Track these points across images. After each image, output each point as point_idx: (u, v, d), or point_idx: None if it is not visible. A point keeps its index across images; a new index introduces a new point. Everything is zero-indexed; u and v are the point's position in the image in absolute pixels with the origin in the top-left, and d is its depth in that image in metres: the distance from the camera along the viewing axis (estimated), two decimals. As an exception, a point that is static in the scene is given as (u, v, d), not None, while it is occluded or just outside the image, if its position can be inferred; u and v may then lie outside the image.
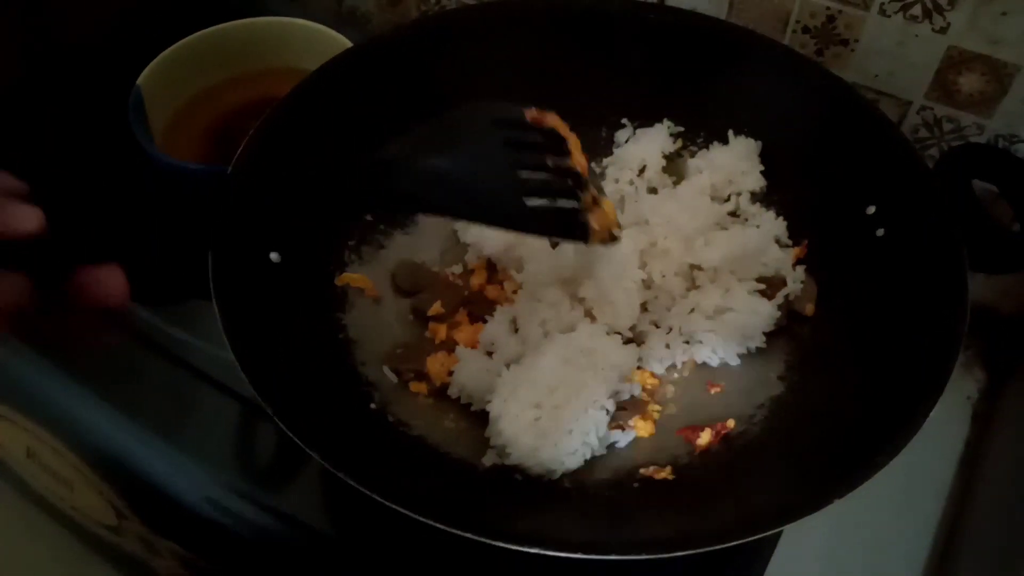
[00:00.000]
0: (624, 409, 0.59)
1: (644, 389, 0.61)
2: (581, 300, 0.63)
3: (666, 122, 0.72)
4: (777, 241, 0.66)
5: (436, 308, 0.64)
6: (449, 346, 0.62)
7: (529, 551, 0.43)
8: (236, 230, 0.56)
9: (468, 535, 0.44)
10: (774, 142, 0.68)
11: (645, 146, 0.71)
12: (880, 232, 0.60)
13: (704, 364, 0.62)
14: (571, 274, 0.64)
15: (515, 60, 0.69)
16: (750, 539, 0.44)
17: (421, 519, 0.44)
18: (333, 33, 0.76)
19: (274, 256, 0.59)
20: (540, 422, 0.55)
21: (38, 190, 0.76)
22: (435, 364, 0.60)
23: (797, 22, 0.73)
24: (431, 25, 0.73)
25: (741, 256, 0.64)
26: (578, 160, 0.53)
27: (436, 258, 0.69)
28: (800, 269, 0.64)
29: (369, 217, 0.68)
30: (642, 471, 0.56)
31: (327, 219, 0.64)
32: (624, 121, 0.73)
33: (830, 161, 0.65)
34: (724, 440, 0.57)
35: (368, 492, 0.45)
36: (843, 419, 0.54)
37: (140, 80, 0.72)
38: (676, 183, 0.71)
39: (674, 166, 0.72)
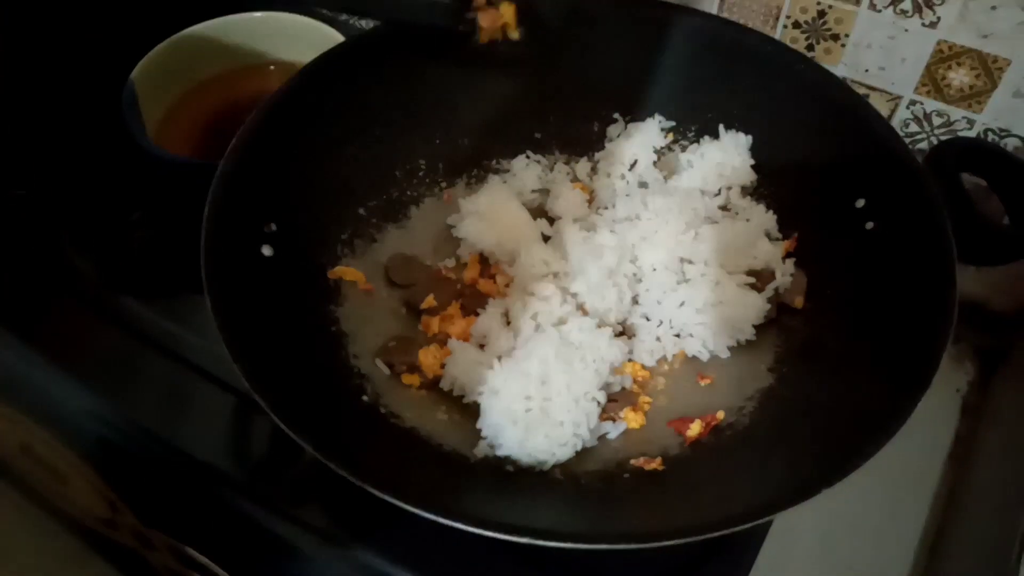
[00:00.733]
0: (615, 401, 0.59)
1: (635, 381, 0.61)
2: (574, 295, 0.63)
3: (657, 117, 0.73)
4: (767, 235, 0.67)
5: (429, 301, 0.64)
6: (441, 339, 0.63)
7: (520, 541, 0.44)
8: (228, 224, 0.56)
9: (459, 525, 0.44)
10: (765, 136, 0.69)
11: (636, 141, 0.72)
12: (870, 225, 0.60)
13: (694, 356, 0.63)
14: (563, 268, 0.65)
15: (506, 55, 0.69)
16: (740, 529, 0.45)
17: (413, 510, 0.45)
18: (326, 28, 0.76)
19: (266, 250, 0.59)
20: (531, 414, 0.55)
21: (32, 184, 0.76)
22: (427, 357, 0.61)
23: (788, 17, 0.73)
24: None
25: (731, 249, 0.64)
26: None
27: (429, 252, 0.69)
28: (790, 262, 0.65)
29: (362, 211, 0.68)
30: (632, 462, 0.56)
31: (319, 212, 0.65)
32: (616, 116, 0.74)
33: (820, 155, 0.65)
34: (714, 431, 0.58)
35: (360, 483, 0.45)
36: (832, 410, 0.54)
37: (133, 74, 0.72)
38: (667, 177, 0.71)
39: (665, 160, 0.73)
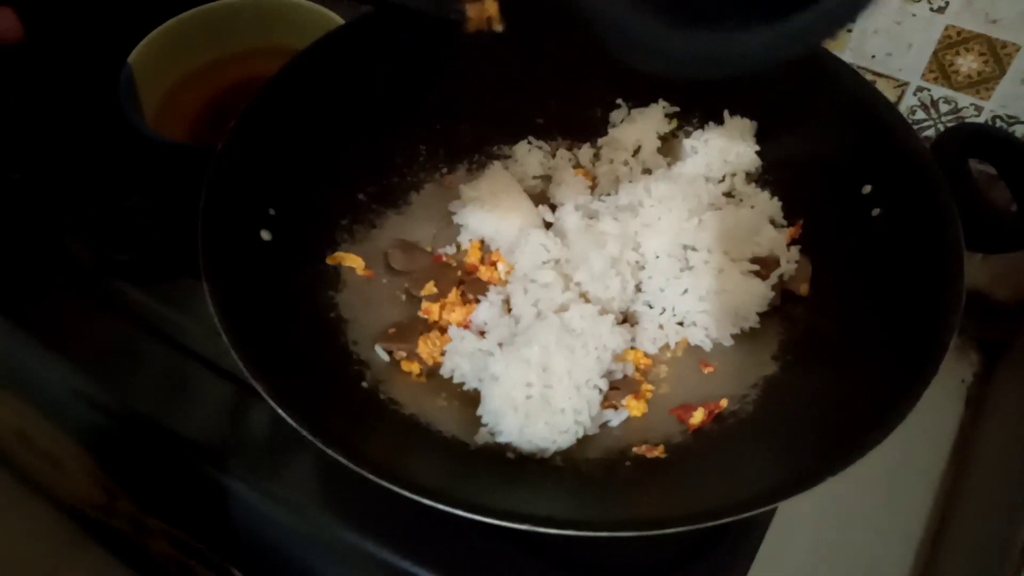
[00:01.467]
0: (617, 388, 0.58)
1: (637, 369, 0.61)
2: (577, 284, 0.62)
3: (661, 102, 0.72)
4: (772, 221, 0.66)
5: (429, 288, 0.64)
6: (442, 326, 0.62)
7: (520, 528, 0.43)
8: (226, 209, 0.56)
9: (460, 513, 0.44)
10: (769, 122, 0.68)
11: (640, 126, 0.71)
12: (876, 212, 0.59)
13: (697, 346, 0.62)
14: (564, 255, 0.64)
15: (509, 39, 0.68)
16: (742, 517, 0.44)
17: (413, 497, 0.44)
18: (325, 11, 0.75)
19: (265, 234, 0.58)
20: (532, 401, 0.55)
21: (28, 169, 0.75)
22: (427, 344, 0.60)
23: (794, 1, 0.72)
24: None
25: (735, 236, 0.64)
26: None
27: (429, 238, 0.68)
28: (795, 249, 0.64)
29: (361, 196, 0.67)
30: (634, 450, 0.56)
31: (318, 197, 0.64)
32: (619, 101, 0.73)
33: (826, 141, 0.64)
34: (717, 419, 0.57)
35: (359, 470, 0.45)
36: (836, 399, 0.54)
37: (131, 58, 0.71)
38: (671, 163, 0.71)
39: (669, 146, 0.72)
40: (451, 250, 0.67)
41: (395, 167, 0.69)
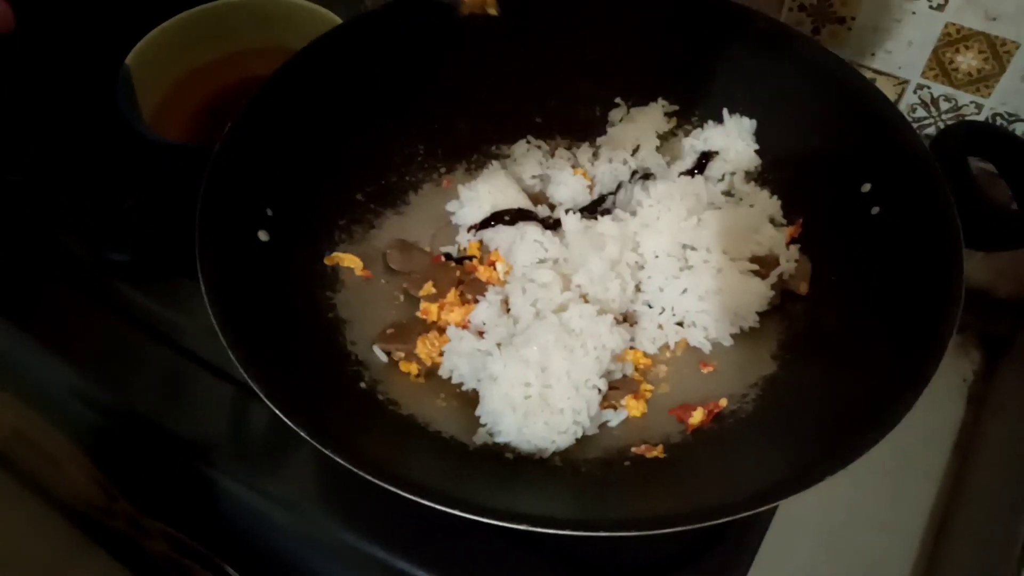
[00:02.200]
0: (616, 388, 0.58)
1: (636, 369, 0.60)
2: (578, 286, 0.62)
3: (660, 101, 0.72)
4: (771, 220, 0.66)
5: (427, 288, 0.64)
6: (440, 326, 0.62)
7: (519, 528, 0.43)
8: (224, 208, 0.56)
9: (458, 513, 0.44)
10: (769, 121, 0.68)
11: (639, 125, 0.71)
12: (875, 210, 0.59)
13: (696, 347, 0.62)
14: (562, 255, 0.64)
15: (507, 38, 0.68)
16: (742, 516, 0.44)
17: (411, 497, 0.44)
18: (323, 10, 0.75)
19: (263, 235, 0.58)
20: (531, 400, 0.54)
21: (28, 170, 0.75)
22: (426, 344, 0.60)
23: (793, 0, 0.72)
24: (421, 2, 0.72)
25: (734, 236, 0.63)
26: None
27: (427, 238, 0.68)
28: (794, 248, 0.64)
29: (359, 196, 0.67)
30: (634, 450, 0.55)
31: (316, 197, 0.64)
32: (618, 100, 0.73)
33: (825, 140, 0.64)
34: (716, 419, 0.57)
35: (357, 470, 0.45)
36: (836, 398, 0.53)
37: (129, 59, 0.71)
38: (670, 163, 0.70)
39: (668, 146, 0.72)
40: (450, 250, 0.67)
41: (393, 167, 0.69)
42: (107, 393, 0.63)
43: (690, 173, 0.68)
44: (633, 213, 0.66)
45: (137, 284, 0.68)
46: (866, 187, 0.60)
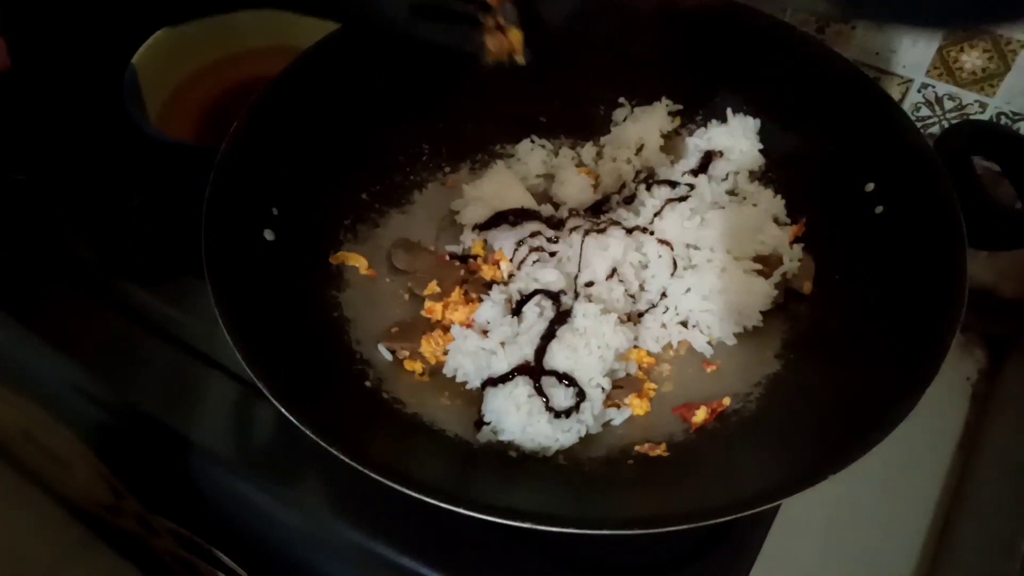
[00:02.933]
0: (620, 387, 0.58)
1: (640, 368, 0.61)
2: (583, 285, 0.62)
3: (664, 100, 0.72)
4: (775, 219, 0.66)
5: (432, 287, 0.64)
6: (445, 325, 0.62)
7: (522, 526, 0.43)
8: (229, 208, 0.56)
9: (462, 511, 0.44)
10: (773, 120, 0.68)
11: (643, 125, 0.71)
12: (879, 210, 0.59)
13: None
14: (565, 253, 0.64)
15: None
16: (745, 514, 0.44)
17: (416, 495, 0.44)
18: (328, 11, 0.75)
19: (268, 234, 0.58)
20: (534, 400, 0.55)
21: (33, 169, 0.76)
22: (430, 343, 0.60)
23: (798, -1, 0.72)
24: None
25: (738, 235, 0.64)
26: None
27: (432, 237, 0.68)
28: (798, 247, 0.64)
29: (364, 195, 0.67)
30: (637, 448, 0.56)
31: (321, 197, 0.64)
32: (622, 100, 0.73)
33: (829, 139, 0.64)
34: (720, 418, 0.57)
35: (362, 468, 0.45)
36: (839, 397, 0.53)
37: (135, 59, 0.72)
38: (674, 162, 0.70)
39: (672, 145, 0.72)
40: (454, 249, 0.67)
41: (398, 166, 0.69)
42: (113, 392, 0.63)
43: (694, 172, 0.68)
44: (637, 213, 0.66)
45: (143, 283, 0.68)
46: (870, 186, 0.60)
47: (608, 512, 0.49)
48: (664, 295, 0.63)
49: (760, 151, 0.68)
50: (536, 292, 0.61)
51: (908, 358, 0.51)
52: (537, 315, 0.60)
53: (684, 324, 0.63)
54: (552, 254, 0.65)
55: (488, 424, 0.56)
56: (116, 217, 0.71)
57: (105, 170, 0.74)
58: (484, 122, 0.71)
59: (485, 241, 0.67)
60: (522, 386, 0.55)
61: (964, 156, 0.59)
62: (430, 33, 0.58)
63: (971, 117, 0.72)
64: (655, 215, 0.65)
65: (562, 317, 0.59)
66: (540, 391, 0.55)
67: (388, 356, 0.60)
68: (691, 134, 0.71)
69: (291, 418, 0.47)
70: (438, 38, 0.59)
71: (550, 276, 0.62)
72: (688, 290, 0.62)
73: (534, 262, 0.64)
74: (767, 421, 0.56)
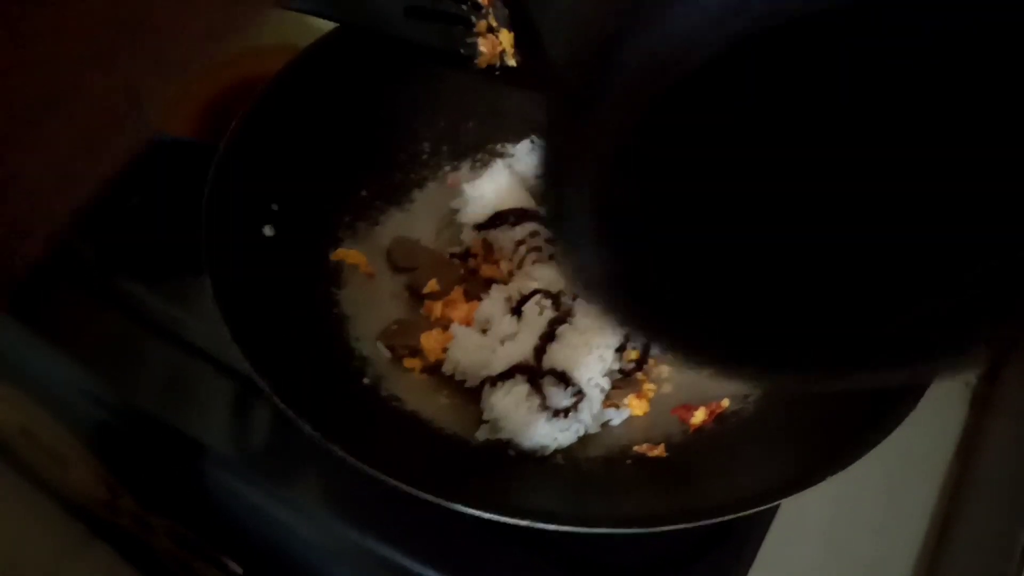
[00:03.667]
0: (618, 387, 0.58)
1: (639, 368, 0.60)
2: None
3: (665, 100, 0.72)
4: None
5: (431, 286, 0.64)
6: (444, 323, 0.62)
7: (520, 524, 0.43)
8: (229, 204, 0.56)
9: (461, 508, 0.44)
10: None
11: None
12: (880, 210, 0.59)
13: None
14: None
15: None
16: (743, 514, 0.44)
17: (414, 492, 0.44)
18: (330, 9, 0.75)
19: (268, 230, 0.58)
20: (533, 398, 0.55)
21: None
22: (429, 341, 0.60)
23: None
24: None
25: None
26: None
27: (431, 236, 0.68)
28: (799, 247, 0.64)
29: (364, 193, 0.67)
30: (635, 448, 0.56)
31: (321, 193, 0.64)
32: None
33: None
34: (719, 419, 0.57)
35: (360, 464, 0.45)
36: (838, 397, 0.53)
37: (135, 56, 0.72)
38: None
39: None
40: (454, 248, 0.67)
41: (398, 164, 0.70)
42: (111, 389, 0.63)
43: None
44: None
45: (142, 281, 0.68)
46: (871, 187, 0.60)
47: (606, 511, 0.49)
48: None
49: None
50: (536, 292, 0.61)
51: (907, 359, 0.51)
52: (537, 314, 0.60)
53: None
54: (551, 255, 0.65)
55: (487, 423, 0.56)
56: (115, 214, 0.71)
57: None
58: (485, 121, 0.71)
59: (485, 239, 0.67)
60: (521, 385, 0.55)
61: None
62: (423, 35, 0.58)
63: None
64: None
65: (562, 317, 0.59)
66: (539, 390, 0.55)
67: (387, 354, 0.60)
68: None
69: (290, 413, 0.46)
70: (432, 40, 0.59)
71: (550, 276, 0.62)
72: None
73: (533, 262, 0.64)
74: (766, 422, 0.56)
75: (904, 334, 0.30)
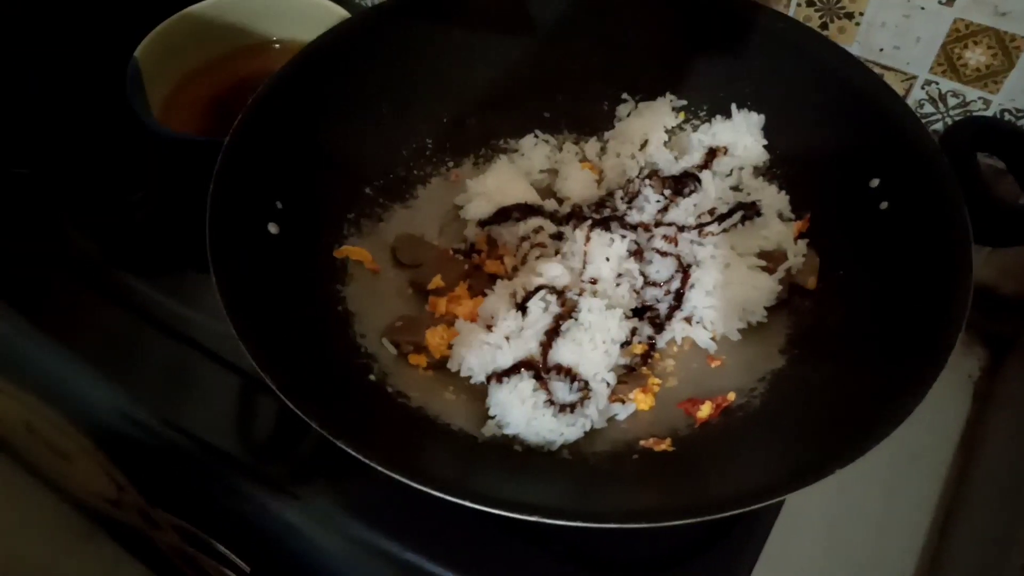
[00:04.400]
0: (624, 382, 0.58)
1: (639, 358, 0.60)
2: (588, 281, 0.62)
3: (668, 96, 0.72)
4: (779, 215, 0.66)
5: (436, 282, 0.64)
6: (449, 319, 0.62)
7: (527, 519, 0.43)
8: (233, 201, 0.56)
9: (468, 504, 0.44)
10: (777, 116, 0.68)
11: (647, 120, 0.71)
12: (884, 206, 0.59)
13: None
14: (570, 249, 0.64)
15: (516, 32, 0.68)
16: (748, 509, 0.44)
17: (421, 487, 0.44)
18: (332, 5, 0.75)
19: (272, 227, 0.58)
20: (539, 394, 0.55)
21: (35, 163, 0.76)
22: (435, 337, 0.60)
23: (802, -6, 0.72)
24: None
25: (742, 230, 0.63)
26: None
27: (435, 232, 0.68)
28: (802, 243, 0.64)
29: (368, 190, 0.67)
30: (642, 443, 0.56)
31: (325, 190, 0.64)
32: (625, 96, 0.73)
33: (833, 135, 0.64)
34: (724, 413, 0.57)
35: (367, 460, 0.45)
36: (843, 393, 0.53)
37: (138, 52, 0.71)
38: (678, 157, 0.70)
39: (676, 140, 0.72)
40: (458, 244, 0.67)
41: (402, 161, 0.69)
42: (116, 385, 0.63)
43: (698, 168, 0.68)
44: (641, 208, 0.66)
45: (146, 277, 0.68)
46: (875, 182, 0.60)
47: (613, 505, 0.49)
48: (668, 291, 0.63)
49: (764, 147, 0.68)
50: (540, 287, 0.61)
51: (912, 355, 0.51)
52: (542, 310, 0.60)
53: (688, 320, 0.63)
54: (556, 250, 0.65)
55: (493, 418, 0.56)
56: (119, 211, 0.71)
57: (108, 164, 0.74)
58: (488, 116, 0.71)
59: (489, 235, 0.67)
60: (527, 380, 0.55)
61: (968, 152, 0.59)
62: None
63: (975, 114, 0.72)
64: (659, 211, 0.66)
65: (567, 312, 0.59)
66: (545, 386, 0.56)
67: (392, 350, 0.60)
68: (695, 130, 0.71)
69: (296, 410, 0.46)
70: None
71: (554, 271, 0.62)
72: (692, 285, 0.62)
73: (537, 257, 0.64)
74: (772, 416, 0.56)
75: None
